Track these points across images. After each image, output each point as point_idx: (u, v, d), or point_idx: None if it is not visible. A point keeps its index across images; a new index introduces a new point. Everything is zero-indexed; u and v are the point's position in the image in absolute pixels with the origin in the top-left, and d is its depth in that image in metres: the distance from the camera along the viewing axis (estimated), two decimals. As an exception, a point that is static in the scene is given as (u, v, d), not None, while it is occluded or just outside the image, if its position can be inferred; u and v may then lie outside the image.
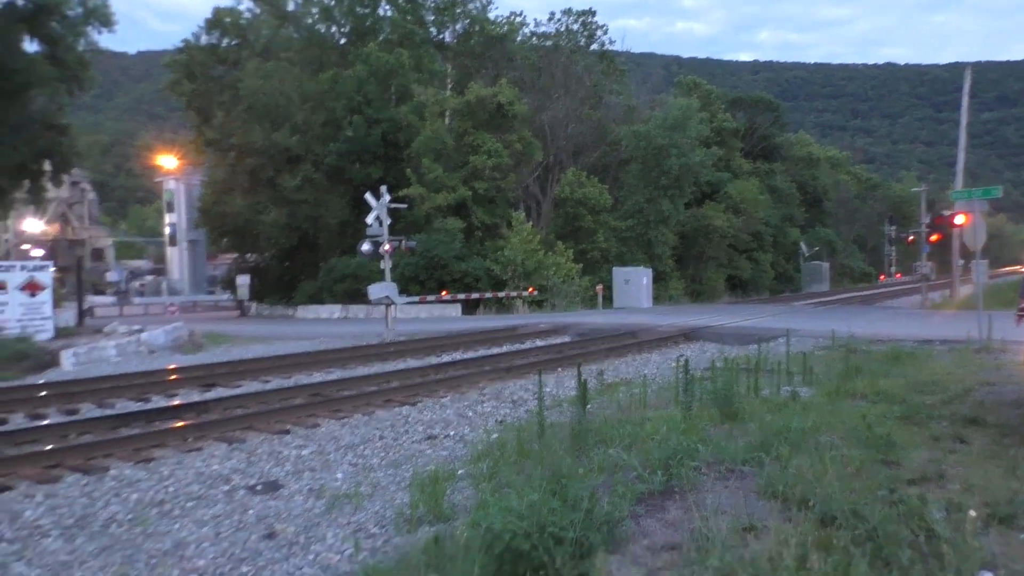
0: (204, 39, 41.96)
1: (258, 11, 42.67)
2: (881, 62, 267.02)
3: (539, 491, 4.70)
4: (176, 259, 61.54)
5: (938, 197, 47.19)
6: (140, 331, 23.01)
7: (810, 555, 3.84)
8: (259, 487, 7.56)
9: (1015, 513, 4.76)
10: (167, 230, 62.64)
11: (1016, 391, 9.71)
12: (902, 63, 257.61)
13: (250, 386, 13.54)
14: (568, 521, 4.37)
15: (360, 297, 33.79)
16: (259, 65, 38.50)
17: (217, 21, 41.48)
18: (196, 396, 12.45)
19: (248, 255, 45.65)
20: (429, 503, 6.37)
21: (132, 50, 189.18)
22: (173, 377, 13.97)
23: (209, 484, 7.59)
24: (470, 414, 10.90)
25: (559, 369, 14.59)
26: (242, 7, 42.58)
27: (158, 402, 11.95)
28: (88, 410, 11.44)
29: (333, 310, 35.47)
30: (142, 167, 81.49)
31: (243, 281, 43.90)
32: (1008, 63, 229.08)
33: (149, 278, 62.38)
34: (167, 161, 59.66)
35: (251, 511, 6.91)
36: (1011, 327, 15.45)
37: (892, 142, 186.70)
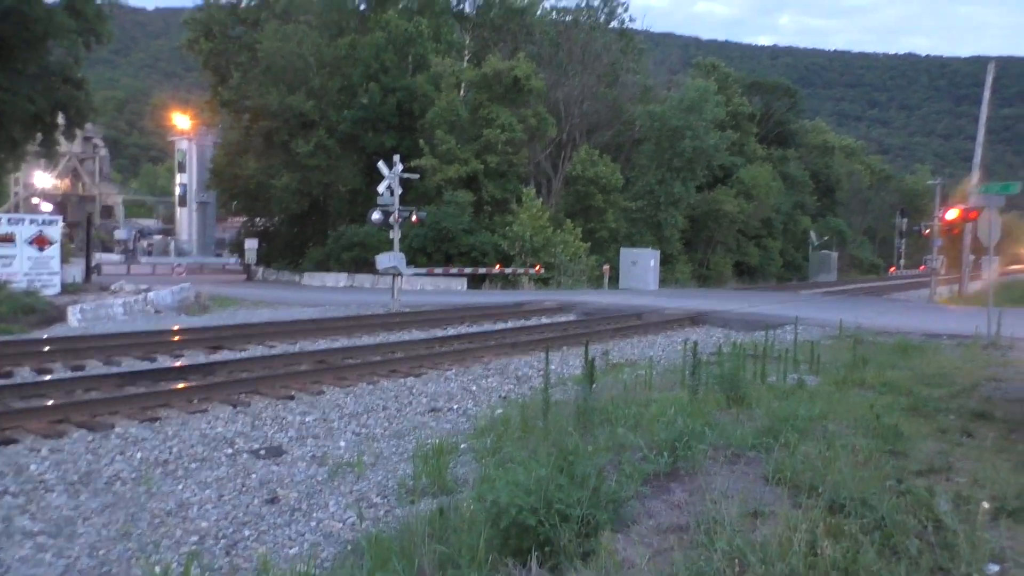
0: (223, -1, 41.62)
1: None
2: (902, 52, 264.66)
3: (547, 467, 4.69)
4: (185, 220, 61.56)
5: (952, 191, 46.87)
6: (147, 290, 23.10)
7: (819, 541, 3.83)
8: (263, 452, 7.59)
9: (1023, 507, 4.74)
10: (178, 190, 62.62)
11: (1023, 388, 9.67)
12: (923, 54, 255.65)
13: (256, 350, 13.57)
14: (575, 498, 4.36)
15: (367, 266, 33.81)
16: (278, 27, 38.23)
17: (237, -20, 41.14)
18: (202, 358, 12.49)
19: (258, 219, 45.66)
20: (432, 475, 6.38)
21: (150, 5, 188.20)
22: (179, 338, 14.00)
23: (213, 446, 7.62)
24: (474, 388, 10.91)
25: (564, 347, 14.57)
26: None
27: (164, 362, 12.00)
28: (94, 367, 11.48)
29: (339, 278, 35.48)
30: (155, 125, 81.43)
31: (251, 245, 43.94)
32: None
33: (157, 238, 62.46)
34: (181, 120, 59.49)
35: (254, 475, 6.94)
36: (1020, 324, 15.41)
37: (908, 134, 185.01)
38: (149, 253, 56.06)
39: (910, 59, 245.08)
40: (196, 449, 7.49)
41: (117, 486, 6.49)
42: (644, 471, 5.42)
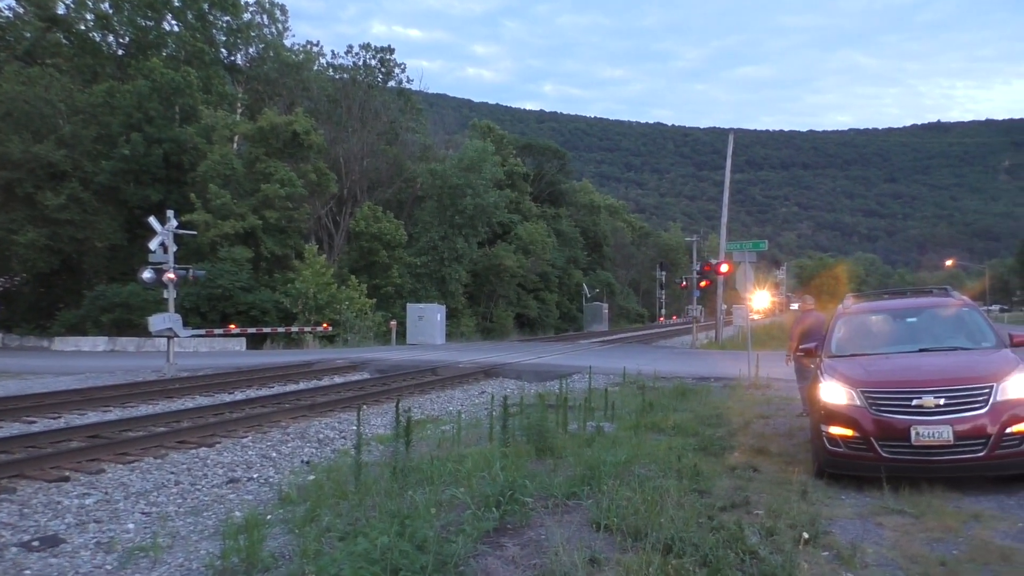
0: (-47, 35, 37.16)
1: (21, 10, 38.50)
2: (652, 121, 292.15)
3: (383, 533, 4.53)
4: (-101, 281, 53.13)
5: (703, 247, 52.20)
6: None
7: (659, 583, 4.02)
8: (35, 543, 6.62)
9: (817, 533, 5.28)
10: None
11: (787, 423, 10.83)
12: (669, 124, 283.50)
13: (11, 428, 11.87)
14: (419, 564, 4.24)
15: (130, 328, 31.13)
16: (20, 69, 34.71)
17: (-31, 16, 36.95)
18: (-59, 441, 10.73)
19: (-4, 279, 40.51)
20: (243, 552, 5.91)
21: None
22: (-93, 419, 11.97)
23: (-28, 543, 6.53)
24: (274, 455, 10.30)
25: (364, 406, 14.22)
26: (2, 4, 38.33)
27: None
28: None
29: (98, 342, 32.24)
30: None
31: (-12, 308, 38.80)
32: (756, 131, 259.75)
33: None
34: None
35: (28, 571, 6.03)
36: (774, 365, 17.28)
37: (660, 195, 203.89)
38: None
39: (659, 128, 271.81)
40: (-49, 548, 6.38)
41: None
42: (480, 528, 5.39)
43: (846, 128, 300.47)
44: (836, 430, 7.04)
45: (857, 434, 6.90)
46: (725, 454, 8.47)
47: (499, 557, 5.08)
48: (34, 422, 12.52)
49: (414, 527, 4.72)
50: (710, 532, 5.14)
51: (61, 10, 40.18)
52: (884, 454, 6.76)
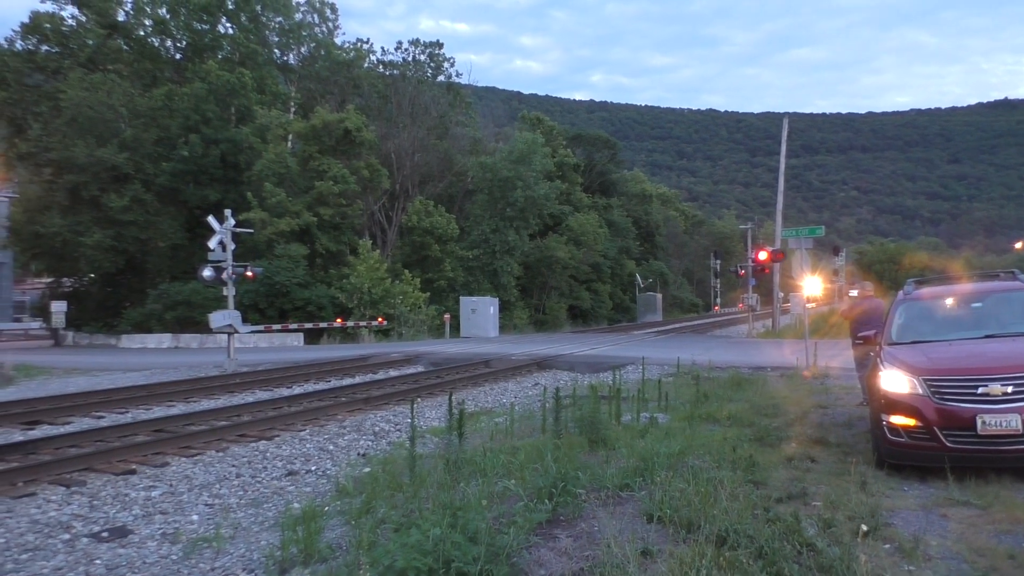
0: (19, 44, 38.48)
1: (83, 19, 39.71)
2: (704, 108, 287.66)
3: (437, 525, 4.57)
4: (-24, 283, 55.47)
5: (758, 234, 51.31)
6: (-63, 363, 20.54)
7: (713, 574, 3.97)
8: (105, 534, 6.87)
9: (877, 526, 5.16)
10: (-34, 251, 56.43)
11: (846, 413, 10.60)
12: (722, 110, 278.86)
13: (81, 423, 12.35)
14: (471, 556, 4.27)
15: (193, 325, 31.95)
16: (83, 76, 35.84)
17: (35, 26, 38.21)
18: (19, 435, 11.19)
19: (65, 279, 42.01)
20: (302, 543, 6.03)
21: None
22: (-14, 414, 12.51)
23: (47, 533, 6.81)
24: (331, 447, 10.49)
25: (419, 399, 14.38)
26: (65, 13, 39.53)
27: (-29, 443, 10.64)
28: None
29: (162, 339, 33.22)
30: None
31: (59, 308, 40.24)
32: (811, 115, 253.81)
33: (-57, 304, 55.82)
34: (-32, 175, 53.88)
35: (98, 560, 6.26)
36: (832, 353, 16.93)
37: (713, 182, 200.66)
38: (-67, 322, 49.94)
39: (711, 114, 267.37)
40: (27, 538, 6.65)
41: (-67, 590, 5.64)
42: (533, 520, 5.40)
43: (906, 109, 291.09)
44: (897, 419, 6.86)
45: (919, 423, 6.71)
46: (781, 444, 8.33)
47: (551, 549, 5.09)
48: (102, 417, 12.98)
49: (466, 519, 4.75)
50: (765, 524, 5.06)
51: (121, 17, 41.36)
52: (948, 444, 6.57)
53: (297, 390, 16.28)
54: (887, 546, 4.91)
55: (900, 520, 5.55)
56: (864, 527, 4.99)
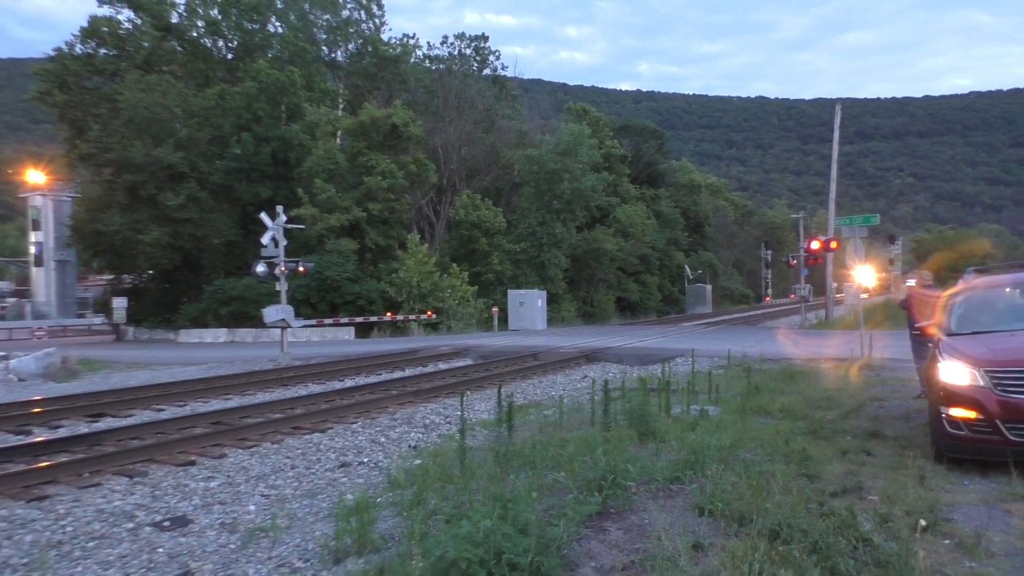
0: (79, 48, 39.63)
1: (139, 22, 40.74)
2: (753, 95, 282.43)
3: (487, 516, 4.61)
4: (42, 280, 57.32)
5: (810, 223, 50.34)
6: (6, 358, 21.35)
7: (767, 569, 3.93)
8: (167, 523, 7.09)
9: (936, 521, 5.04)
10: (32, 249, 58.33)
11: (903, 405, 10.35)
12: (772, 97, 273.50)
13: (142, 415, 12.74)
14: (522, 547, 4.30)
15: (247, 320, 32.63)
16: (140, 77, 36.78)
17: (94, 30, 39.29)
18: (84, 427, 11.60)
19: (125, 276, 43.27)
20: (355, 533, 6.13)
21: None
22: (53, 407, 12.97)
23: (112, 522, 7.05)
24: (383, 440, 10.64)
25: (468, 392, 14.47)
26: (121, 17, 40.58)
27: (41, 434, 11.06)
28: (-42, 445, 10.44)
29: (218, 334, 34.02)
30: (2, 182, 75.94)
31: (119, 304, 41.49)
32: (865, 100, 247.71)
33: (11, 300, 57.97)
34: (34, 176, 55.76)
35: (160, 549, 6.46)
36: (888, 344, 16.55)
37: (764, 171, 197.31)
38: (3, 317, 51.93)
39: (761, 102, 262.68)
40: (93, 527, 6.90)
41: (7, 574, 5.88)
42: (583, 512, 5.41)
43: (966, 91, 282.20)
44: (957, 412, 6.68)
45: (981, 416, 6.53)
46: (836, 438, 8.18)
47: (602, 541, 5.09)
48: (163, 410, 13.37)
49: (516, 511, 4.77)
50: (820, 518, 4.99)
51: (175, 19, 42.33)
52: (1011, 437, 6.37)
53: (349, 383, 16.54)
54: (947, 542, 4.80)
55: (960, 515, 5.41)
56: (923, 522, 4.89)
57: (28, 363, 20.58)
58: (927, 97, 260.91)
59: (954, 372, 6.90)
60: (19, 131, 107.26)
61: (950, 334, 7.83)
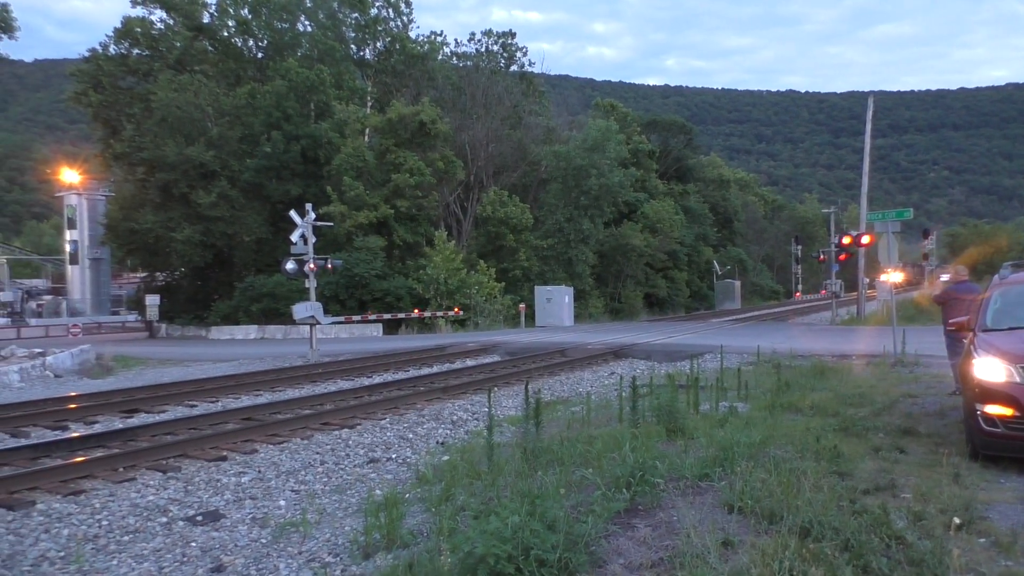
0: (113, 49, 40.26)
1: (171, 22, 41.29)
2: (783, 89, 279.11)
3: (516, 513, 4.62)
4: (77, 278, 58.28)
5: (841, 218, 49.66)
6: (43, 354, 21.78)
7: (798, 566, 3.90)
8: (200, 517, 7.20)
9: (972, 519, 4.96)
10: (68, 247, 59.32)
11: (937, 402, 10.19)
12: (802, 91, 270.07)
13: (176, 411, 12.94)
14: (550, 543, 4.30)
15: (277, 317, 32.95)
16: (172, 77, 37.28)
17: (127, 31, 39.90)
18: (119, 423, 11.81)
19: (158, 273, 43.94)
20: (384, 529, 6.17)
21: (28, 58, 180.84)
22: (89, 403, 13.22)
23: (146, 516, 7.17)
24: (411, 436, 10.70)
25: (495, 388, 14.50)
26: (154, 17, 41.15)
27: (78, 429, 11.27)
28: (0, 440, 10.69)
29: (249, 330, 34.40)
30: (39, 181, 77.45)
31: (152, 301, 42.04)
32: (898, 93, 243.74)
33: (47, 298, 58.98)
34: (69, 175, 56.74)
35: (194, 543, 6.56)
36: (921, 341, 16.28)
37: (794, 165, 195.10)
38: (39, 315, 52.87)
39: (791, 95, 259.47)
40: (128, 520, 7.03)
41: (45, 567, 6.01)
42: (611, 509, 5.40)
43: (1003, 83, 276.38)
44: (993, 409, 6.56)
45: (1017, 413, 6.41)
46: (868, 435, 8.07)
47: (630, 538, 5.08)
48: (195, 406, 13.56)
49: (544, 507, 4.78)
50: (852, 516, 4.93)
51: (206, 19, 42.83)
52: (1049, 435, 6.26)
53: (377, 380, 16.64)
54: (982, 540, 4.72)
55: (996, 514, 5.32)
56: (957, 520, 4.82)
57: (64, 359, 21.00)
58: (962, 89, 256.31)
59: (990, 368, 6.78)
60: (56, 131, 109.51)
61: (986, 330, 7.70)
